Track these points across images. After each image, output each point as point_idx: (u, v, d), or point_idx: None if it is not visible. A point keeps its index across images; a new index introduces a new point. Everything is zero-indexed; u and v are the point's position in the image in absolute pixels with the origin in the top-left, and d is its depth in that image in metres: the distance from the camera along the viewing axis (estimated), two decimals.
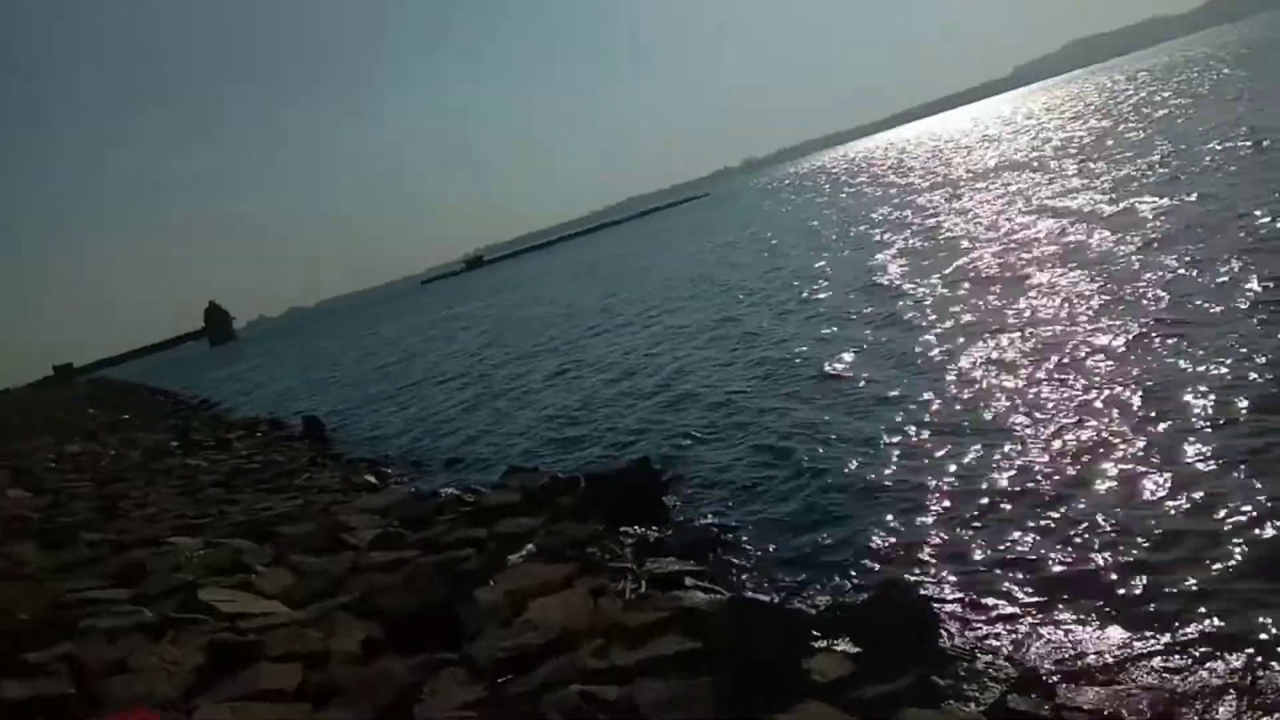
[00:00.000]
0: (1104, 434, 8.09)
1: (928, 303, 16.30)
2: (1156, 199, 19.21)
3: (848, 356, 13.89)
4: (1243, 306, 10.33)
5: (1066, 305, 13.00)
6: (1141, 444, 7.70)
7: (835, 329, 16.45)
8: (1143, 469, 7.26)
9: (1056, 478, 7.55)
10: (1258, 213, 14.75)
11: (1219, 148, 23.63)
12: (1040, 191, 27.04)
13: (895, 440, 9.51)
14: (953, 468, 8.36)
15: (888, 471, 8.72)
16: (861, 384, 12.13)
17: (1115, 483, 7.17)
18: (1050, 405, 9.18)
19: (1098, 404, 8.81)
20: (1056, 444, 8.18)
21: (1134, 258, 14.61)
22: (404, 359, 36.64)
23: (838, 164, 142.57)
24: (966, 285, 16.80)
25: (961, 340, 12.80)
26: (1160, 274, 13.02)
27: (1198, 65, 79.91)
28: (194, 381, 61.69)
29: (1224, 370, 8.63)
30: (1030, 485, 7.56)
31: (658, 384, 16.27)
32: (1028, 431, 8.65)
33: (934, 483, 8.12)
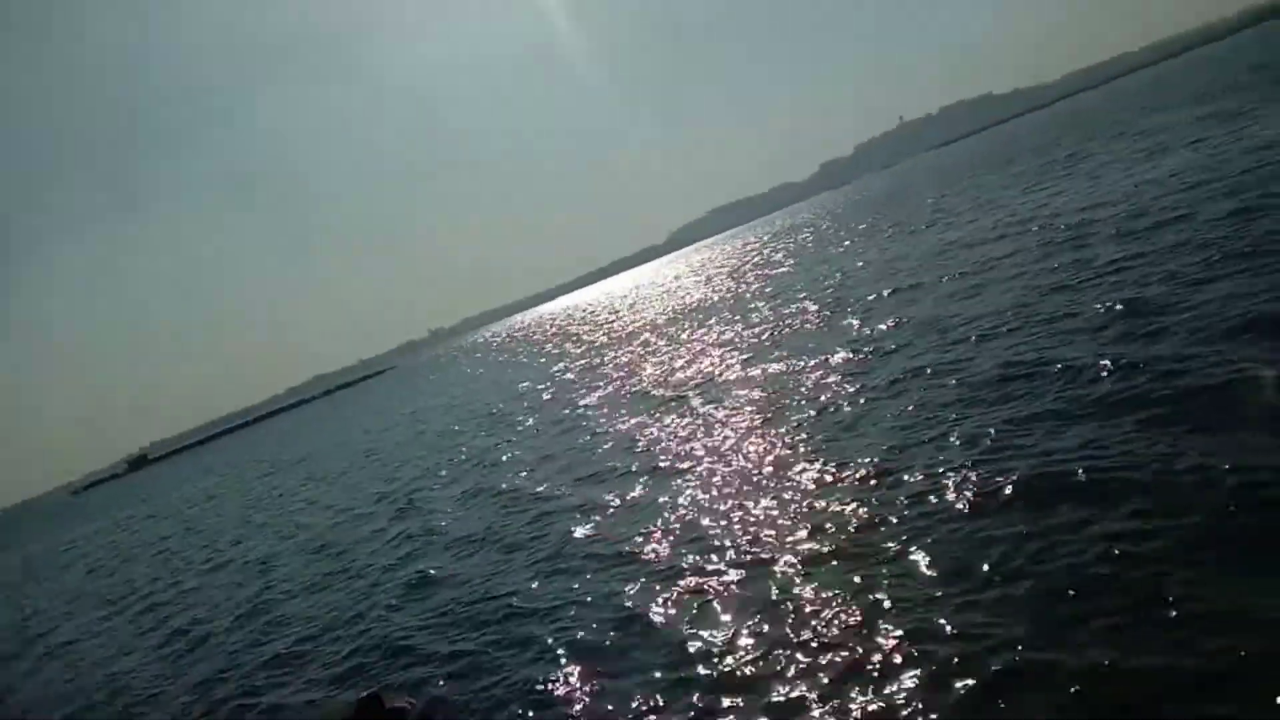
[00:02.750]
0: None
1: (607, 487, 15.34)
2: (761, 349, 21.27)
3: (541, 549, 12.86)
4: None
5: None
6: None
7: (521, 511, 15.45)
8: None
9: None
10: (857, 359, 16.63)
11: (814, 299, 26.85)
12: (673, 349, 29.19)
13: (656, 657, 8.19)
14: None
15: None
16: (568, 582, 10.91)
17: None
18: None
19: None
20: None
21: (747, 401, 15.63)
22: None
23: (521, 329, 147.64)
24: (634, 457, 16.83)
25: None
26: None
27: (811, 226, 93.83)
28: None
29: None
30: None
31: (356, 598, 13.90)
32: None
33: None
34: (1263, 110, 31.02)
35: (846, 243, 49.15)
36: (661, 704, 7.25)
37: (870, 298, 23.87)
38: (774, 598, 8.23)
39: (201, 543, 27.62)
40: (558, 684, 8.25)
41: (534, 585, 11.12)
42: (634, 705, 7.38)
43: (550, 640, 9.25)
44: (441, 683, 9.19)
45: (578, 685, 8.10)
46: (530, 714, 7.94)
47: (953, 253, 26.49)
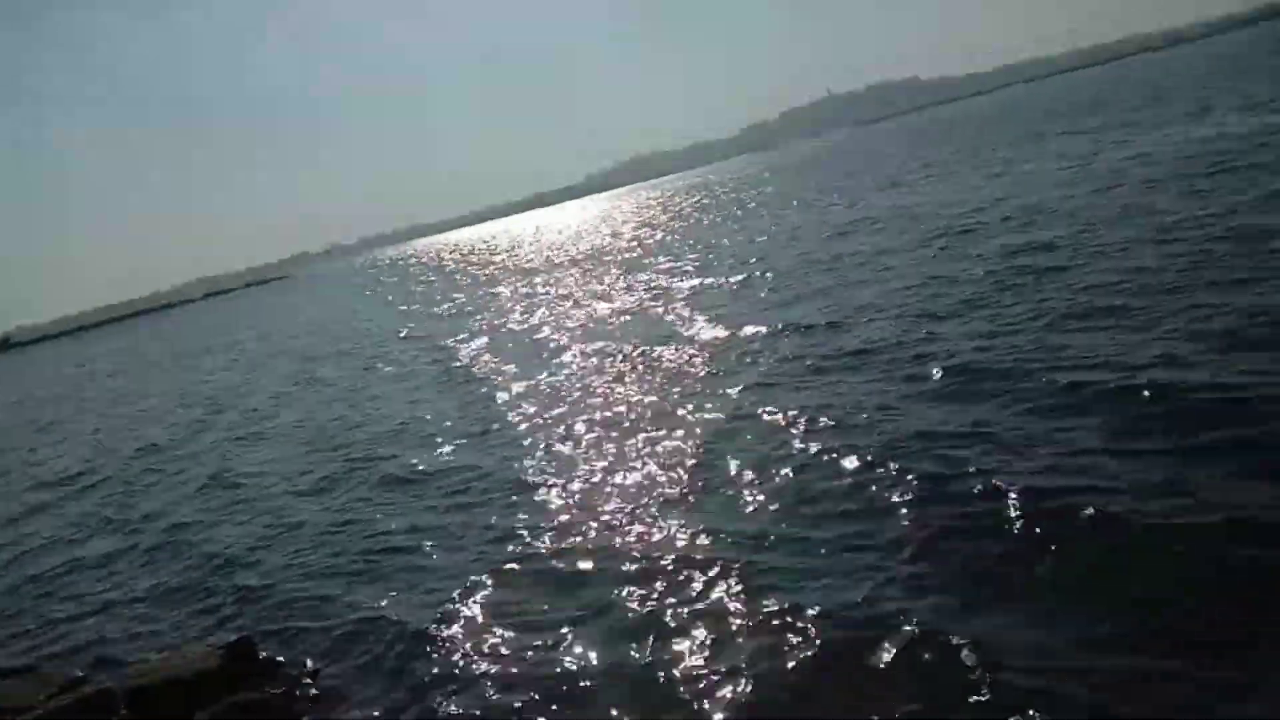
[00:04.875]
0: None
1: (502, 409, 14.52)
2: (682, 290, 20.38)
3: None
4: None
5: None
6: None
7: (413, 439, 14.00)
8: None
9: None
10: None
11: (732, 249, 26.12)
12: (591, 284, 28.38)
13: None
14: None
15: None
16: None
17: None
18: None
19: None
20: None
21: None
22: None
23: (425, 253, 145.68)
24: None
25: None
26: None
27: (730, 184, 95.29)
28: None
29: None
30: None
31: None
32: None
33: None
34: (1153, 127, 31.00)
35: (752, 205, 48.70)
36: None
37: (761, 269, 23.19)
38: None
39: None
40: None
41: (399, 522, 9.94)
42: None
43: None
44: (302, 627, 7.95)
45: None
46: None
47: (854, 231, 25.90)
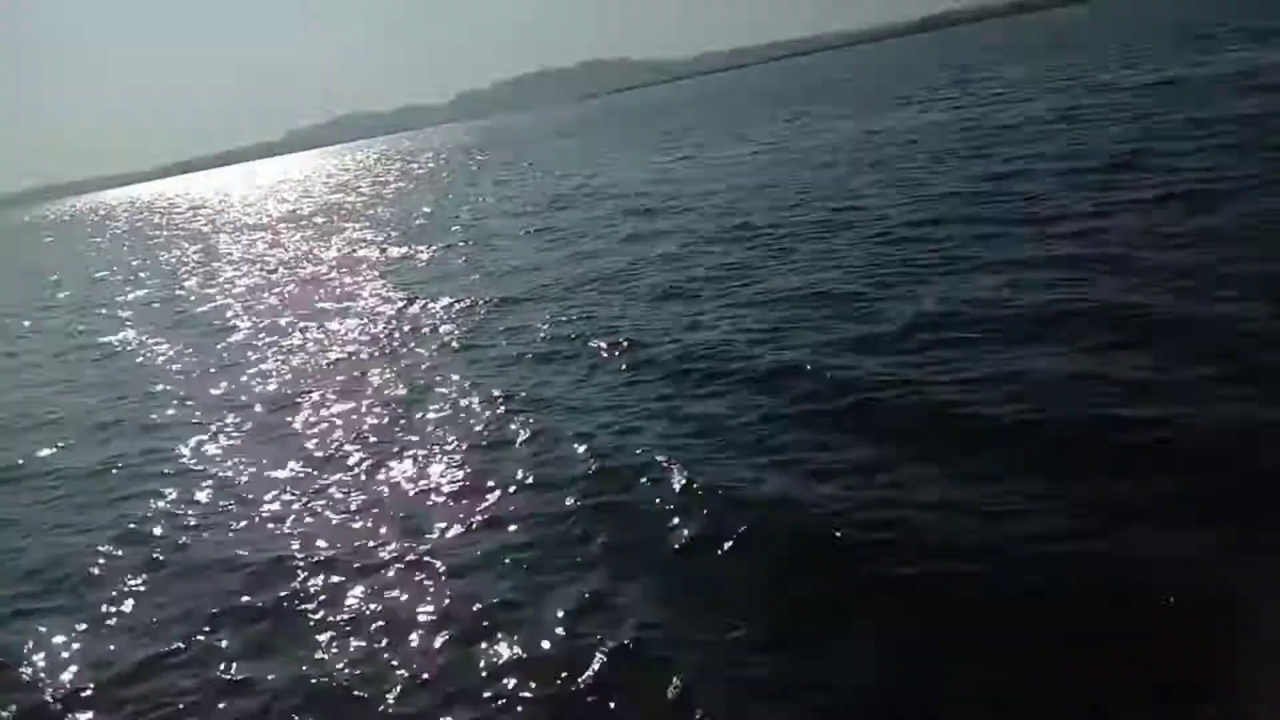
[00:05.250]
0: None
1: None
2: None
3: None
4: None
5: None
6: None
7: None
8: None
9: None
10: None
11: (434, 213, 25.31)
12: (299, 245, 26.33)
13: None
14: None
15: None
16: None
17: None
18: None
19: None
20: None
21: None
22: None
23: (95, 209, 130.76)
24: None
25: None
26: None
27: (441, 151, 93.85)
28: None
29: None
30: None
31: None
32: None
33: None
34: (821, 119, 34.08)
35: (461, 174, 47.78)
36: None
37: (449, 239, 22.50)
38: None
39: None
40: None
41: None
42: None
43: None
44: None
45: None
46: None
47: (558, 205, 25.90)
